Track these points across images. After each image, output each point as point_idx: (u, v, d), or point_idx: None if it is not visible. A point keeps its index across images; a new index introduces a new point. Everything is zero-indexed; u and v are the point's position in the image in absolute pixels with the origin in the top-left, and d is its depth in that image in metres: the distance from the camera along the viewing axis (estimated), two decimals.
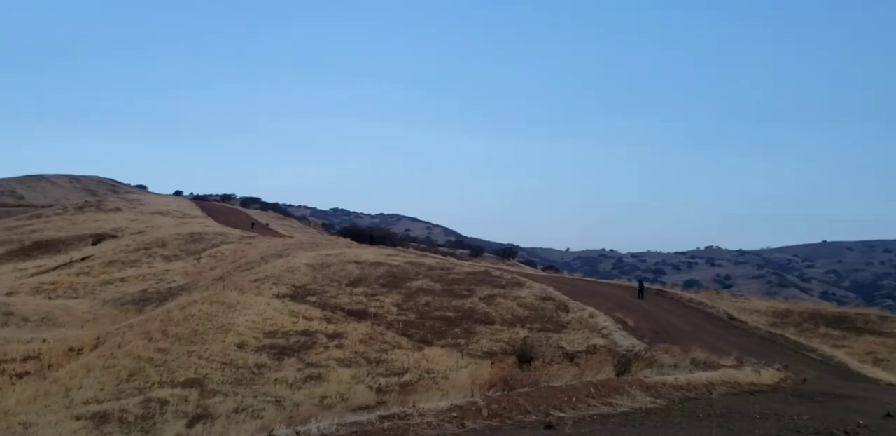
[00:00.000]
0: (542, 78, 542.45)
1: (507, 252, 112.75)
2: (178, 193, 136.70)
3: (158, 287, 47.26)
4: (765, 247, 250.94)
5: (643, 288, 40.47)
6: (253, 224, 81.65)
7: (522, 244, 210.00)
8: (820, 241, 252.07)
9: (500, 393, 6.35)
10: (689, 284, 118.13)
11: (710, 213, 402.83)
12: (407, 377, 21.96)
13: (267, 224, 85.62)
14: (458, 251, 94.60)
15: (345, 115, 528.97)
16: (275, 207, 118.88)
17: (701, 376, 10.03)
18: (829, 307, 50.51)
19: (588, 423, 6.11)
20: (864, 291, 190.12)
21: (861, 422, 8.21)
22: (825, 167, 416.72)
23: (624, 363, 9.62)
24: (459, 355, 24.61)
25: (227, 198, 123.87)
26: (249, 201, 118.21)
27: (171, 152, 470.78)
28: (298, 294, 31.60)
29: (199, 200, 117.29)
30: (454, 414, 5.40)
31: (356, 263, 37.66)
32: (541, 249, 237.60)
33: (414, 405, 5.62)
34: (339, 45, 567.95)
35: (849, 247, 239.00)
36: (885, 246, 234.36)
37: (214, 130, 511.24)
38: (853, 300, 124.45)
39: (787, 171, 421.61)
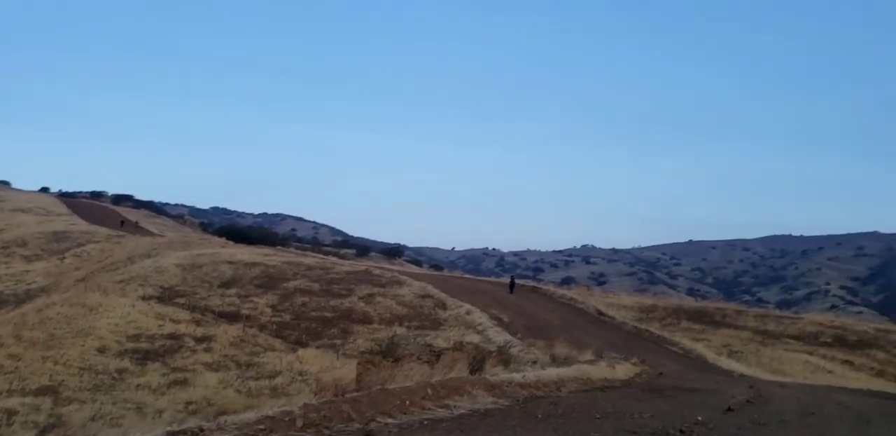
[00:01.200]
0: (424, 78, 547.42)
1: (393, 252, 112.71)
2: (44, 190, 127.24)
3: (16, 289, 44.29)
4: (636, 245, 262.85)
5: (514, 284, 41.88)
6: (122, 222, 77.87)
7: (410, 244, 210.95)
8: (686, 240, 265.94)
9: (323, 400, 6.08)
10: (565, 282, 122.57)
11: (586, 213, 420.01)
12: (279, 380, 21.57)
13: (136, 222, 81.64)
14: (344, 251, 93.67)
15: (234, 111, 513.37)
16: (149, 205, 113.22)
17: (552, 372, 10.12)
18: (691, 302, 53.80)
19: (416, 429, 5.94)
20: (725, 287, 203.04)
21: (699, 418, 8.30)
22: (692, 171, 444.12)
23: (478, 361, 9.60)
24: (335, 356, 24.35)
25: (97, 195, 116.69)
26: (121, 199, 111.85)
27: (39, 146, 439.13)
28: (166, 296, 30.28)
29: (66, 197, 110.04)
30: (262, 427, 5.12)
31: (230, 263, 36.50)
32: (428, 248, 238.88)
33: (215, 419, 5.29)
34: (223, 39, 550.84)
35: (713, 246, 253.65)
36: (744, 245, 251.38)
37: (87, 123, 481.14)
38: (715, 296, 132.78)
39: (658, 174, 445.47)
